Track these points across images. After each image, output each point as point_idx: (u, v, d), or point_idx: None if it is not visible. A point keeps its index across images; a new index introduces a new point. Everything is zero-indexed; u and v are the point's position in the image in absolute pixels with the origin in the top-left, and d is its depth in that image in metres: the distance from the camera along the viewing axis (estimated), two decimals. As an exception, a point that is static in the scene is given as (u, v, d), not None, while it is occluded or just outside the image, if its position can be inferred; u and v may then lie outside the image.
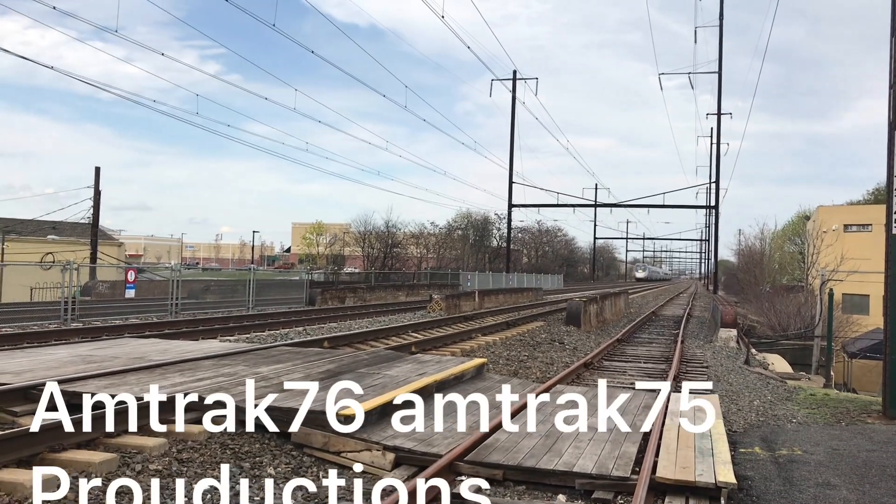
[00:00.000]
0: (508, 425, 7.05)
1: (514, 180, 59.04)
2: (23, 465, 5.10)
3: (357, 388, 7.71)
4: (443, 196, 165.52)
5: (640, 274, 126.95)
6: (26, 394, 6.87)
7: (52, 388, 6.91)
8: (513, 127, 59.07)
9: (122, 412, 6.13)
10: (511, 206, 60.38)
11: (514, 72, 55.72)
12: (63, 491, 4.71)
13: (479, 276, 39.90)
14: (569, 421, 7.43)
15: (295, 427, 6.36)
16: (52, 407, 6.77)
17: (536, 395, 8.58)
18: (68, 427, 5.62)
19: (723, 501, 5.33)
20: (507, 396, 8.77)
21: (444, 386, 8.56)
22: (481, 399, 8.47)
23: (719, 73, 53.87)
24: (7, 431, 5.62)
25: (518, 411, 7.65)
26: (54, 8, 17.72)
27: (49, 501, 4.56)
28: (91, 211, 35.70)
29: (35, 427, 5.57)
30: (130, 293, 17.38)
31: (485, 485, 5.62)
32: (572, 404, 8.33)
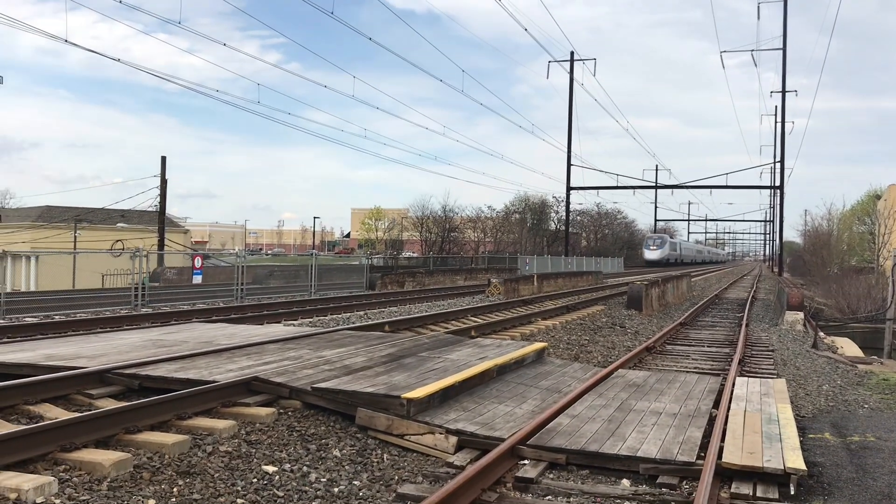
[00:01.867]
0: (571, 409, 7.04)
1: (572, 163, 58.46)
2: (101, 445, 5.29)
3: (419, 372, 7.80)
4: (500, 180, 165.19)
5: (652, 254, 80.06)
6: (102, 377, 7.13)
7: (125, 372, 7.20)
8: (570, 109, 58.44)
9: (193, 395, 6.33)
10: (569, 188, 59.81)
11: (572, 53, 55.02)
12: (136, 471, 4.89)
13: (538, 259, 39.71)
14: (632, 405, 7.39)
15: (359, 410, 6.46)
16: (127, 389, 7.04)
17: (598, 380, 8.54)
18: (142, 409, 5.82)
19: (792, 488, 5.23)
20: (568, 380, 8.77)
21: (504, 370, 8.57)
22: (543, 383, 8.49)
23: (784, 49, 52.33)
24: (85, 413, 5.84)
25: (580, 395, 7.63)
26: (120, 1, 18.11)
27: (124, 481, 4.74)
28: (158, 199, 36.71)
29: (111, 409, 5.79)
30: (197, 279, 17.82)
31: (548, 469, 5.63)
32: (635, 388, 8.30)
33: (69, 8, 68.61)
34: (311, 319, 15.57)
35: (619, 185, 60.34)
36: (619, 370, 9.53)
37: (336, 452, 5.83)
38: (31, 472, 4.64)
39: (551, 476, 5.53)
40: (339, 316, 16.55)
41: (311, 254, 22.65)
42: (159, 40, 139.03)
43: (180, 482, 4.85)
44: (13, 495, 4.28)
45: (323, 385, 6.82)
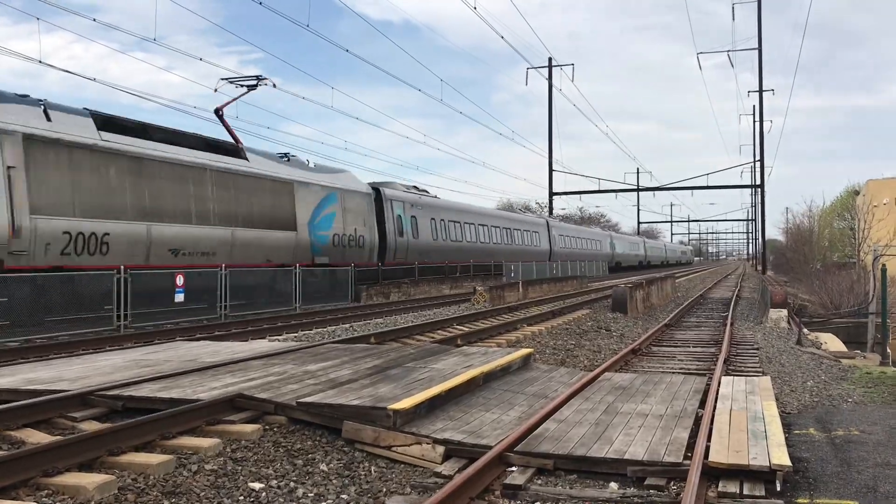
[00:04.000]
0: (558, 414, 7.04)
1: (553, 168, 58.74)
2: (84, 468, 5.24)
3: (405, 383, 7.78)
4: (482, 188, 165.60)
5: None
6: (84, 399, 7.05)
7: (108, 394, 7.13)
8: (550, 115, 58.75)
9: (176, 414, 6.28)
10: (552, 193, 60.07)
11: (550, 59, 55.48)
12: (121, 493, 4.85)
13: (523, 266, 39.73)
14: (618, 408, 7.40)
15: (345, 423, 6.43)
16: (111, 410, 6.97)
17: (585, 384, 8.55)
18: (126, 431, 5.77)
19: (778, 484, 5.25)
20: (555, 385, 8.78)
21: (491, 377, 8.57)
22: (529, 389, 8.49)
23: (759, 49, 52.95)
24: (67, 437, 5.79)
25: (566, 400, 7.64)
26: (94, 20, 18.09)
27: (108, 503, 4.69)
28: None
29: (93, 431, 5.73)
30: (180, 297, 17.72)
31: (536, 475, 5.62)
32: (621, 391, 8.32)
33: (44, 30, 68.08)
34: (296, 334, 15.51)
35: (601, 188, 60.80)
36: (606, 373, 9.55)
37: (323, 467, 5.80)
38: (13, 499, 4.59)
39: (539, 482, 5.52)
40: (325, 329, 16.49)
41: (294, 266, 22.53)
42: (136, 59, 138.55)
43: (166, 502, 4.80)
44: (-6, 523, 4.23)
45: (308, 399, 6.79)
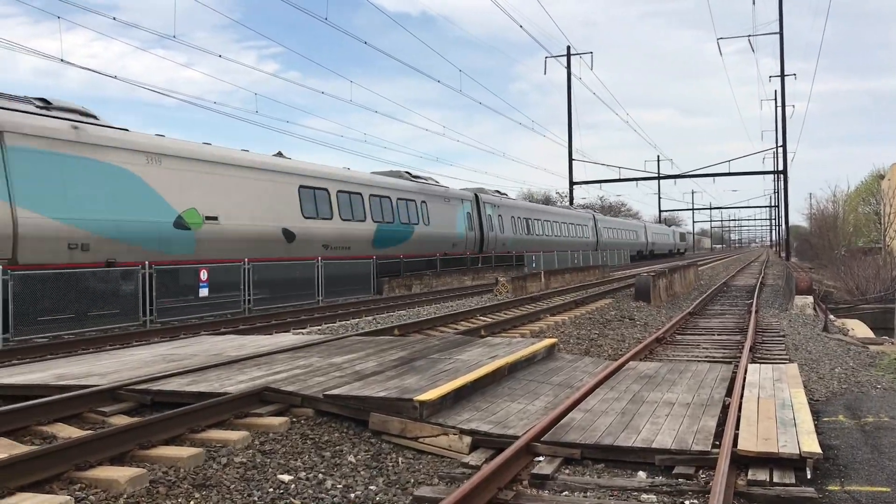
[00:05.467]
0: (584, 404, 7.03)
1: (573, 157, 58.52)
2: (116, 462, 5.31)
3: (430, 374, 7.80)
4: (502, 178, 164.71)
5: None
6: (114, 394, 7.14)
7: (137, 388, 7.22)
8: (569, 103, 58.48)
9: (205, 408, 6.34)
10: (572, 183, 59.81)
11: (568, 47, 55.18)
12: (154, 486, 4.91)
13: (545, 255, 39.65)
14: (644, 397, 7.38)
15: (371, 415, 6.46)
16: (140, 404, 7.06)
17: (610, 373, 8.53)
18: (156, 424, 5.84)
19: (808, 472, 5.21)
20: (580, 375, 8.76)
21: (515, 368, 8.57)
22: (554, 379, 8.48)
23: (780, 32, 52.22)
24: (99, 431, 5.86)
25: (592, 389, 7.62)
26: (114, 18, 18.17)
27: (140, 497, 4.75)
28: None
29: (124, 425, 5.80)
30: (204, 292, 17.86)
31: (564, 465, 5.62)
32: (647, 380, 8.28)
33: (65, 28, 68.49)
34: (319, 327, 15.58)
35: (622, 177, 60.42)
36: (630, 362, 9.51)
37: (351, 458, 5.83)
38: (47, 493, 4.65)
39: (567, 471, 5.52)
40: (348, 322, 16.55)
41: (316, 259, 22.63)
42: (157, 56, 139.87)
43: (197, 495, 4.86)
44: (30, 516, 4.29)
45: (334, 392, 6.82)
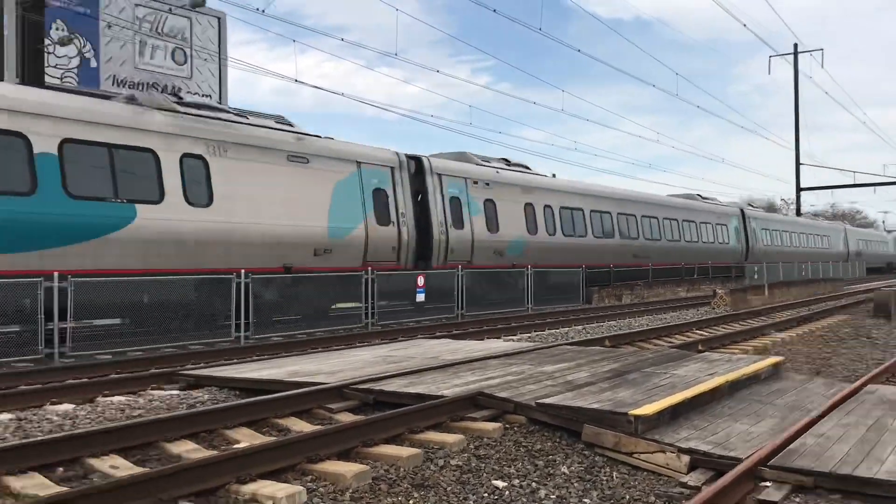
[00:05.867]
0: (815, 428, 6.50)
1: (801, 161, 54.65)
2: (342, 457, 5.63)
3: (644, 388, 7.57)
4: (719, 184, 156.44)
5: None
6: (340, 392, 7.60)
7: (361, 387, 7.63)
8: (797, 104, 54.77)
9: (423, 409, 6.57)
10: (799, 189, 55.93)
11: (795, 45, 51.84)
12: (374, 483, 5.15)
13: (768, 266, 37.24)
14: (888, 424, 6.68)
15: (585, 427, 6.38)
16: (362, 403, 7.46)
17: (845, 396, 7.82)
18: (378, 423, 6.14)
19: None
20: (810, 397, 8.11)
21: (737, 386, 8.10)
22: (780, 400, 7.92)
23: None
24: (327, 427, 6.26)
25: (825, 413, 7.03)
26: (342, 39, 19.50)
27: (364, 492, 5.00)
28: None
29: (350, 423, 6.16)
30: (420, 297, 18.60)
31: (793, 492, 5.23)
32: (890, 405, 7.50)
33: (299, 51, 74.54)
34: (529, 334, 15.66)
35: (857, 182, 55.41)
36: (870, 385, 8.67)
37: (564, 469, 5.79)
38: (283, 482, 5.03)
39: (797, 499, 5.12)
40: (557, 331, 16.50)
41: (525, 268, 22.79)
42: (380, 73, 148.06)
43: (415, 495, 5.04)
44: (269, 502, 4.66)
45: (547, 401, 6.81)
